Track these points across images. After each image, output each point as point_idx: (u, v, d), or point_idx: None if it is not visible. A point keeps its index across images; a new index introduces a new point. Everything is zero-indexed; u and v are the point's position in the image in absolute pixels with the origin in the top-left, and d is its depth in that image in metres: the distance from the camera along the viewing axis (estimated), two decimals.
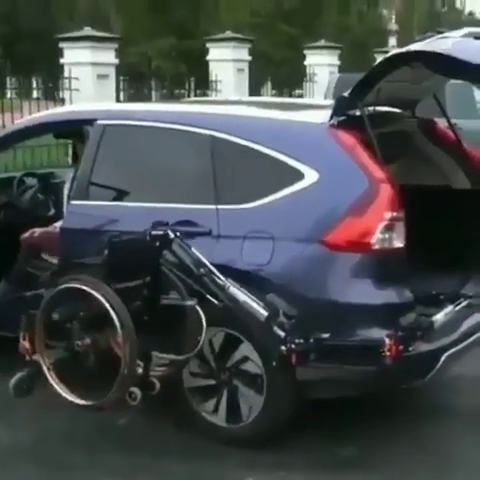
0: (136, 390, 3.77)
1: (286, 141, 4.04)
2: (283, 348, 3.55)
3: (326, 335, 3.63)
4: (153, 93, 17.96)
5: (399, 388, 4.15)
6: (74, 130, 4.81)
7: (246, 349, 4.00)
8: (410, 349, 3.63)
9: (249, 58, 15.18)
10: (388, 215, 3.82)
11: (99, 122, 4.53)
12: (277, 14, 33.97)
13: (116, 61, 12.16)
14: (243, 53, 15.05)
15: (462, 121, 12.34)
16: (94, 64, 11.66)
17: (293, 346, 3.53)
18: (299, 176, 3.93)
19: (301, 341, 3.53)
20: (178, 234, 3.84)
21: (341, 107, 4.04)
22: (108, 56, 12.00)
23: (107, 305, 3.73)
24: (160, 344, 3.83)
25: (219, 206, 4.08)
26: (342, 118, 4.09)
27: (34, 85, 25.88)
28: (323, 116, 4.09)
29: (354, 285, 3.81)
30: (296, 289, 3.80)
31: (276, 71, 28.81)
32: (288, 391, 3.95)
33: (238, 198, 4.05)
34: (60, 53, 12.07)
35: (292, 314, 3.73)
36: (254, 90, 16.26)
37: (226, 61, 14.42)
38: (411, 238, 4.65)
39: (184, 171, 4.31)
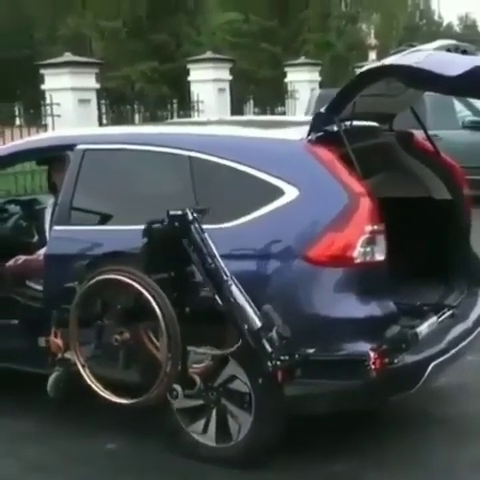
0: (177, 387, 3.72)
1: (265, 159, 4.06)
2: (269, 364, 3.54)
3: (311, 350, 3.63)
4: (136, 116, 18.03)
5: (387, 400, 4.15)
6: (55, 156, 4.82)
7: (233, 368, 3.99)
8: (395, 361, 3.63)
9: (230, 78, 15.29)
10: (369, 228, 3.84)
11: (79, 147, 4.54)
12: (258, 33, 34.18)
13: (97, 85, 12.22)
14: (224, 73, 15.14)
15: (443, 132, 12.52)
16: (75, 89, 11.69)
17: (279, 363, 3.52)
18: (279, 193, 3.95)
19: (286, 358, 3.52)
20: (196, 215, 3.75)
21: (318, 123, 4.07)
22: (89, 81, 12.05)
23: (149, 297, 3.62)
24: (199, 338, 3.75)
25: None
26: (320, 134, 4.11)
27: (17, 112, 25.92)
28: (301, 133, 4.11)
29: (337, 299, 3.82)
30: (280, 305, 3.80)
31: (258, 89, 28.95)
32: (277, 408, 3.94)
33: (219, 217, 4.05)
34: (41, 79, 12.09)
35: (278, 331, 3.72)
36: (236, 109, 16.35)
37: (207, 81, 14.49)
38: (395, 250, 4.69)
39: (165, 193, 4.32)
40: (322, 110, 4.02)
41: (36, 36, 39.89)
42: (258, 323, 3.60)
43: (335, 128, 4.13)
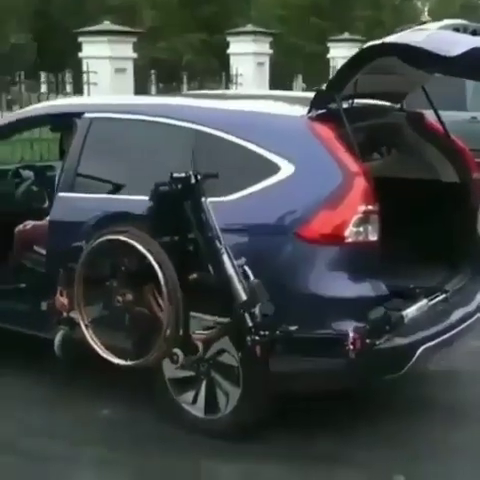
0: (178, 352, 3.75)
1: (264, 134, 4.05)
2: (248, 339, 3.54)
3: (294, 327, 3.63)
4: (185, 87, 18.03)
5: (376, 382, 4.14)
6: (64, 123, 4.86)
7: (223, 341, 4.01)
8: (378, 343, 3.61)
9: (270, 51, 15.16)
10: (362, 208, 3.81)
11: (86, 115, 4.58)
12: (308, 7, 33.86)
13: (134, 55, 12.22)
14: (263, 47, 15.02)
15: None
16: (112, 58, 11.72)
17: (257, 338, 3.52)
18: (276, 169, 3.94)
19: (266, 333, 3.53)
20: (199, 179, 3.73)
21: (319, 100, 4.03)
22: (126, 50, 12.07)
23: (152, 260, 3.62)
24: (204, 305, 3.75)
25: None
26: (322, 111, 4.08)
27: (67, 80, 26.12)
28: (304, 109, 4.09)
29: (327, 278, 3.81)
30: (270, 281, 3.80)
31: (307, 64, 28.71)
32: (264, 383, 3.96)
33: (217, 191, 4.06)
34: (79, 47, 12.16)
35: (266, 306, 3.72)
36: (283, 84, 16.19)
37: (246, 55, 14.40)
38: (400, 232, 4.65)
39: (166, 164, 4.32)
40: (323, 87, 3.99)
41: (88, 7, 39.99)
42: (243, 296, 3.61)
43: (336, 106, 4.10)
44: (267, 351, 3.56)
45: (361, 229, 3.82)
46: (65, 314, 4.06)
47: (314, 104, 4.03)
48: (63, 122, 4.87)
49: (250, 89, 13.14)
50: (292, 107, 4.24)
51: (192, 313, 3.73)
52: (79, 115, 4.61)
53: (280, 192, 3.93)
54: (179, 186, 3.71)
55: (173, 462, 4.01)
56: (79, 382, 4.76)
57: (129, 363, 3.84)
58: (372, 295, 3.82)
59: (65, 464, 4.02)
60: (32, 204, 5.25)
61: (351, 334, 3.50)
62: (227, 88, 15.07)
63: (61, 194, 4.60)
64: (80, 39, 12.11)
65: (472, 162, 4.79)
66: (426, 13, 37.39)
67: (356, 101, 4.34)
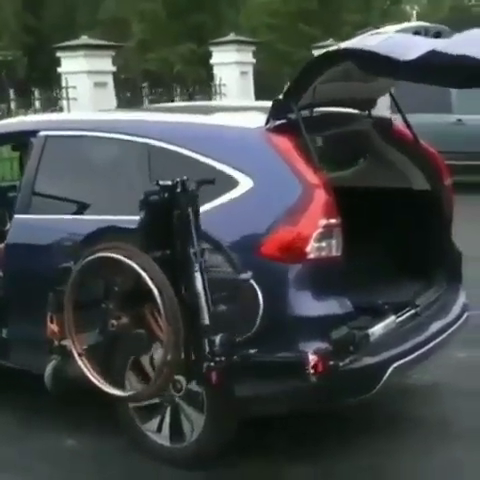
0: (181, 379, 3.56)
1: (220, 147, 3.89)
2: (204, 365, 3.34)
3: (254, 351, 3.44)
4: (177, 99, 17.89)
5: (349, 403, 3.95)
6: (21, 142, 4.71)
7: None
8: (341, 364, 3.43)
9: (253, 60, 15.03)
10: (323, 222, 3.64)
11: (41, 133, 4.42)
12: (296, 14, 33.73)
13: (113, 68, 12.08)
14: (246, 56, 14.89)
15: (469, 117, 12.14)
16: (91, 72, 11.57)
17: (212, 364, 3.31)
18: (234, 183, 3.78)
19: (222, 359, 3.32)
20: (190, 185, 3.45)
21: (276, 110, 3.86)
22: (105, 64, 11.92)
23: (147, 278, 3.32)
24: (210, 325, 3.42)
25: None
26: (281, 122, 3.91)
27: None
28: (261, 120, 3.92)
29: (288, 296, 3.63)
30: (229, 301, 3.62)
31: (295, 72, 28.59)
32: (229, 409, 3.79)
33: None
34: (58, 62, 12.03)
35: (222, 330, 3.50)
36: (270, 92, 16.04)
37: (229, 64, 14.27)
38: (371, 243, 4.48)
39: (122, 181, 4.18)
40: (280, 97, 3.82)
41: (79, 21, 39.93)
42: (206, 321, 3.40)
43: (304, 114, 3.93)
44: (224, 377, 3.36)
45: (323, 244, 3.64)
46: (56, 342, 3.75)
47: (272, 114, 3.86)
48: (20, 140, 4.73)
49: (227, 100, 13.00)
50: (250, 118, 4.08)
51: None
52: (34, 133, 4.46)
53: (239, 208, 3.77)
54: (166, 195, 3.44)
55: None
56: (44, 410, 4.57)
57: (128, 394, 3.64)
58: (336, 313, 3.64)
59: None
60: None
61: (311, 357, 3.31)
62: (211, 98, 14.95)
63: (17, 216, 4.44)
64: (58, 54, 11.97)
65: (443, 168, 4.63)
66: (415, 17, 37.39)
67: (320, 109, 4.18)
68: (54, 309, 3.74)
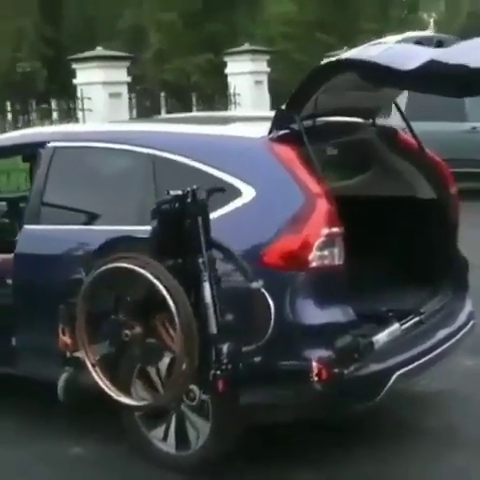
0: (195, 389, 3.58)
1: (224, 157, 3.93)
2: (211, 373, 3.37)
3: (258, 358, 3.47)
4: (194, 109, 18.00)
5: (353, 410, 3.96)
6: (31, 153, 4.78)
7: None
8: (346, 372, 3.44)
9: (267, 70, 15.08)
10: (325, 231, 3.66)
11: (49, 145, 4.49)
12: (313, 23, 33.79)
13: (128, 79, 12.19)
14: (261, 65, 14.96)
15: None
16: (105, 83, 11.68)
17: (219, 372, 3.35)
18: (237, 193, 3.81)
19: (229, 367, 3.35)
20: (201, 194, 3.49)
21: (280, 120, 3.90)
22: (120, 74, 12.03)
23: (161, 287, 3.36)
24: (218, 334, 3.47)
25: None
26: (284, 132, 3.94)
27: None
28: (264, 130, 3.96)
29: (292, 305, 3.65)
30: (234, 309, 3.65)
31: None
32: (234, 416, 3.81)
33: None
34: (73, 74, 12.15)
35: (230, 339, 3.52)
36: (277, 101, 16.09)
37: (243, 74, 14.34)
38: (377, 252, 4.50)
39: (128, 192, 4.23)
40: (283, 107, 3.86)
41: (98, 32, 40.17)
42: (214, 329, 3.44)
43: (306, 124, 3.97)
44: (230, 385, 3.38)
45: (326, 253, 3.67)
46: (68, 354, 3.80)
47: (275, 124, 3.90)
48: (30, 151, 4.79)
49: (240, 110, 13.05)
50: (253, 128, 4.12)
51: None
52: (43, 144, 4.52)
53: (242, 217, 3.80)
54: (177, 205, 3.48)
55: None
56: (51, 418, 4.61)
57: (143, 404, 3.67)
58: (339, 321, 3.66)
59: None
60: (3, 237, 5.14)
61: (314, 364, 3.33)
62: (227, 108, 15.01)
63: (27, 226, 4.50)
64: (73, 66, 12.10)
65: (449, 176, 4.63)
66: (432, 24, 37.30)
67: (324, 119, 4.21)
68: (66, 321, 3.78)
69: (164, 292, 3.38)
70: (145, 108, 15.96)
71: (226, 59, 15.09)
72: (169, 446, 4.03)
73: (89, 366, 3.64)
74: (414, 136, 4.59)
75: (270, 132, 3.90)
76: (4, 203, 5.42)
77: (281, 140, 3.88)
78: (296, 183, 3.73)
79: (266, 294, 3.51)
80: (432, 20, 38.39)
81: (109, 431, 4.28)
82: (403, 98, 11.51)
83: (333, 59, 3.64)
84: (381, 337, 3.73)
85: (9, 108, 21.23)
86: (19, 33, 40.40)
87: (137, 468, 4.08)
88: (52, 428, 4.53)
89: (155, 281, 3.40)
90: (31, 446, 4.39)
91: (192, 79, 34.82)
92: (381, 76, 3.47)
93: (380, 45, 3.58)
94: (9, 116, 19.13)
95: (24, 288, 4.43)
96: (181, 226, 3.49)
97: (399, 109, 4.59)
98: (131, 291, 3.54)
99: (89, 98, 11.61)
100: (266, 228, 3.74)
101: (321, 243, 3.65)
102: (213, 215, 3.81)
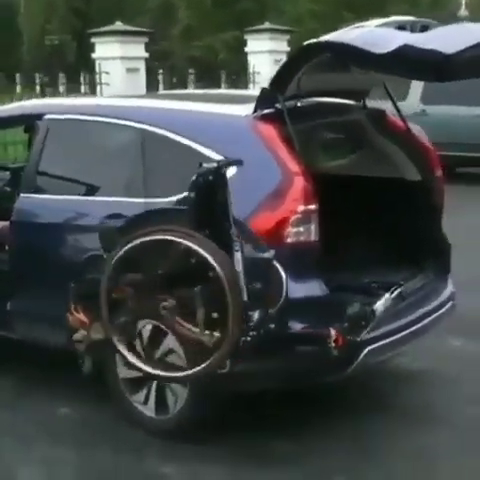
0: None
1: (208, 134, 4.05)
2: (241, 339, 3.48)
3: (273, 325, 3.61)
4: (222, 85, 18.07)
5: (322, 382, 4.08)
6: (29, 124, 4.93)
7: (171, 341, 4.01)
8: (358, 339, 3.66)
9: (287, 49, 15.08)
10: (301, 208, 3.78)
11: (46, 117, 4.63)
12: (342, 2, 33.58)
13: (146, 55, 12.28)
14: (281, 44, 14.96)
15: None
16: (123, 58, 11.80)
17: (249, 338, 3.49)
18: None
19: (254, 333, 3.50)
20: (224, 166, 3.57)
21: (264, 99, 4.01)
22: (138, 50, 12.13)
23: (211, 260, 3.42)
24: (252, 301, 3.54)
25: (147, 200, 4.12)
26: (268, 111, 4.05)
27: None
28: (250, 109, 4.07)
29: (268, 278, 3.77)
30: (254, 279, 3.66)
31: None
32: (211, 384, 3.94)
33: (164, 192, 4.07)
34: (92, 48, 12.26)
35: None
36: None
37: (263, 53, 14.37)
38: (363, 231, 4.62)
39: (118, 164, 4.37)
40: (267, 86, 3.96)
41: (128, 7, 40.09)
42: (244, 297, 3.55)
43: (296, 103, 4.08)
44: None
45: (301, 229, 3.79)
46: (83, 331, 3.86)
47: (259, 103, 4.01)
48: (28, 123, 4.94)
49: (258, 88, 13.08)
50: (240, 107, 4.22)
51: None
52: (40, 116, 4.66)
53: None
54: (211, 177, 3.56)
55: (123, 462, 4.03)
56: (44, 383, 4.79)
57: (177, 374, 3.72)
58: (313, 295, 3.78)
59: (14, 461, 4.07)
60: (3, 204, 5.31)
61: (333, 331, 3.52)
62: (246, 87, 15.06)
63: (23, 195, 4.65)
64: (93, 40, 12.23)
65: (435, 159, 4.71)
66: (463, 6, 36.81)
67: (312, 99, 4.31)
68: (80, 298, 3.85)
69: (212, 261, 3.44)
70: (172, 84, 16.05)
71: (246, 37, 15.13)
72: (149, 410, 4.19)
73: (118, 345, 3.74)
74: (402, 119, 4.67)
75: (255, 111, 4.01)
76: (8, 172, 5.57)
77: (264, 119, 3.99)
78: (275, 160, 3.84)
79: (277, 264, 3.61)
80: (464, 1, 37.84)
81: (97, 394, 4.44)
82: (420, 82, 11.55)
83: (313, 41, 3.73)
84: (379, 306, 3.87)
85: (38, 80, 21.43)
86: (49, 6, 40.59)
87: (122, 429, 4.23)
88: (42, 391, 4.70)
89: (201, 251, 3.46)
90: (20, 407, 4.58)
91: (219, 56, 34.81)
92: (358, 59, 3.56)
93: (360, 28, 3.66)
94: (37, 89, 19.34)
95: (18, 255, 4.60)
96: (214, 198, 3.59)
97: (388, 91, 4.66)
98: (168, 263, 3.57)
99: (107, 72, 11.74)
100: (245, 204, 3.85)
101: (297, 219, 3.76)
102: None
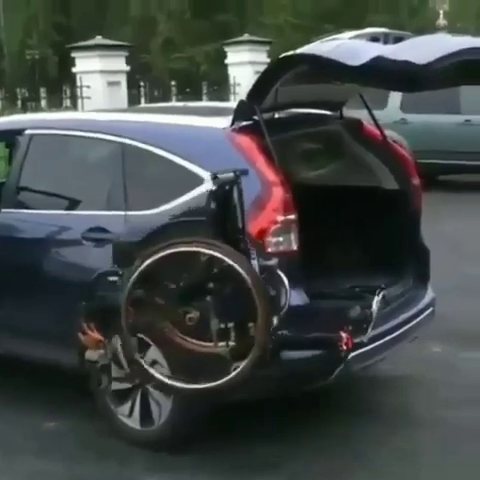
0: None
1: (187, 147, 4.10)
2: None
3: (285, 330, 3.65)
4: (204, 97, 18.14)
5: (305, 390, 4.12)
6: (9, 140, 4.96)
7: (154, 352, 4.04)
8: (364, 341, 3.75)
9: (267, 60, 15.18)
10: (281, 218, 3.83)
11: (27, 132, 4.67)
12: (322, 14, 33.81)
13: (127, 68, 12.34)
14: (260, 56, 15.07)
15: (477, 117, 12.18)
16: (104, 72, 11.85)
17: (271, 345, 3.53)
18: (198, 181, 3.98)
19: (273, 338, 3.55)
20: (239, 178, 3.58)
21: (241, 112, 4.06)
22: (118, 63, 12.19)
23: (236, 265, 3.45)
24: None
25: (128, 212, 4.16)
26: (246, 123, 4.10)
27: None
28: (228, 121, 4.12)
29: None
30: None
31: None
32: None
33: (144, 204, 4.12)
34: (72, 62, 12.31)
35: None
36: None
37: (243, 64, 14.47)
38: (342, 240, 4.67)
39: (99, 178, 4.42)
40: (244, 99, 4.02)
41: (109, 19, 40.15)
42: (273, 292, 3.61)
43: (274, 115, 4.14)
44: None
45: (281, 239, 3.84)
46: (101, 351, 3.83)
47: (237, 116, 4.06)
48: (9, 138, 4.97)
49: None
50: (218, 119, 4.27)
51: None
52: (20, 132, 4.70)
53: (203, 205, 3.95)
54: (227, 188, 3.60)
55: (108, 473, 4.04)
56: (30, 396, 4.80)
57: (209, 385, 3.60)
58: (294, 304, 3.82)
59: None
60: None
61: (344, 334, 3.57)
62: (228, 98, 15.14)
63: (3, 210, 4.68)
64: (73, 54, 12.27)
65: (412, 168, 4.78)
66: (441, 16, 37.09)
67: (289, 111, 4.37)
68: (92, 317, 3.82)
69: (240, 270, 3.46)
70: (154, 97, 16.09)
71: (226, 49, 15.23)
72: (134, 422, 4.21)
73: (142, 363, 3.74)
74: (378, 127, 4.74)
75: (233, 123, 4.07)
76: None
77: (242, 131, 4.04)
78: (254, 172, 3.88)
79: (279, 271, 3.65)
80: (442, 11, 38.14)
81: (84, 407, 4.45)
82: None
83: (288, 53, 3.78)
84: (374, 308, 3.94)
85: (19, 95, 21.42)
86: (30, 20, 40.56)
87: (107, 441, 4.25)
88: (31, 406, 4.68)
89: (229, 261, 3.47)
90: (4, 418, 4.58)
91: (201, 68, 34.92)
92: (333, 71, 3.62)
93: (333, 41, 3.73)
94: (19, 104, 19.32)
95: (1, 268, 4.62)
96: (230, 207, 3.63)
97: (364, 101, 4.72)
98: (194, 275, 3.58)
99: (88, 86, 11.78)
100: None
101: (276, 229, 3.82)
102: (174, 203, 4.01)
